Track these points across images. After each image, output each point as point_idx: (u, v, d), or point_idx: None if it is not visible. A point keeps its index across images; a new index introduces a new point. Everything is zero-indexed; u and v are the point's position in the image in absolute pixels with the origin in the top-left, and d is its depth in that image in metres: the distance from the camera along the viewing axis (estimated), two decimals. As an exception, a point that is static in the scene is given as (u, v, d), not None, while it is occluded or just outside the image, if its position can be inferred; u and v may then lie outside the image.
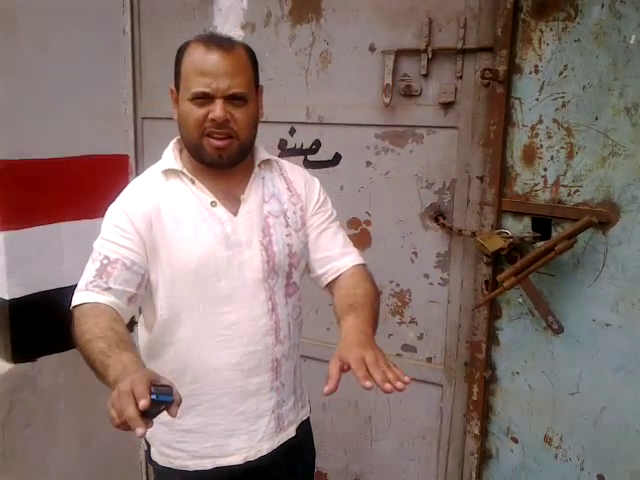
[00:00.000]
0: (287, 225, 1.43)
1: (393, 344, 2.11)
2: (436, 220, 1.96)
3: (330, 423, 2.27)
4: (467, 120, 1.86)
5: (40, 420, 2.24)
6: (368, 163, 2.04)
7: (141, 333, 1.49)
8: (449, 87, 1.86)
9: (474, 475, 1.99)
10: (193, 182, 1.37)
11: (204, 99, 1.28)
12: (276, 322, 1.42)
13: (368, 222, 2.08)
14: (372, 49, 1.95)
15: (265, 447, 1.46)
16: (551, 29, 1.67)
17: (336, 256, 1.47)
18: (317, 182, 1.54)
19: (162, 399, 0.97)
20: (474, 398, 1.94)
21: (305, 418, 1.60)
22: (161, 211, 1.34)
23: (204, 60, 1.28)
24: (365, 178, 2.06)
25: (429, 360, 2.07)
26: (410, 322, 2.08)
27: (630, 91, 1.58)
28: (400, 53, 1.90)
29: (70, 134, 2.23)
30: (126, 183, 2.37)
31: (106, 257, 1.29)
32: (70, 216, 2.28)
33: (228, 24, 2.17)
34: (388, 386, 1.05)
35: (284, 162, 1.54)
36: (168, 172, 1.38)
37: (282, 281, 1.42)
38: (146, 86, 2.41)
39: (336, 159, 2.10)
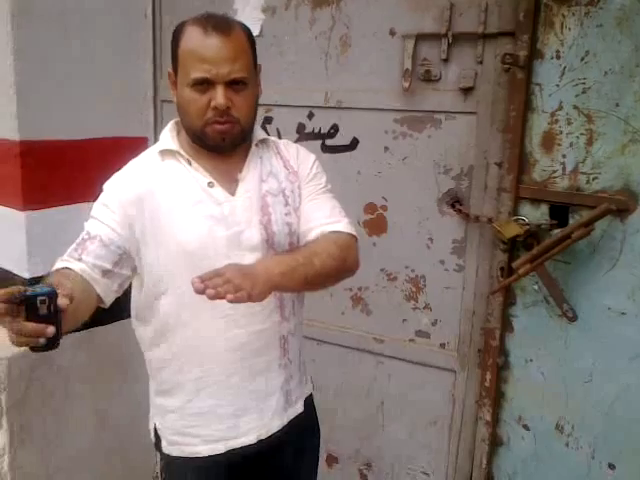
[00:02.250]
0: (286, 204, 1.42)
1: (407, 329, 2.12)
2: (453, 206, 1.96)
3: (342, 408, 2.28)
4: (486, 106, 1.85)
5: (57, 399, 2.26)
6: (386, 148, 2.04)
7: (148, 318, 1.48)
8: (469, 72, 1.85)
9: (485, 462, 1.99)
10: (190, 163, 1.36)
11: (204, 85, 1.27)
12: (280, 300, 1.42)
13: (384, 207, 2.08)
14: (392, 33, 1.95)
15: (276, 424, 1.47)
16: (573, 14, 1.65)
17: (318, 225, 1.42)
18: (312, 157, 1.52)
19: (38, 292, 0.97)
20: (486, 385, 1.94)
21: (308, 394, 1.61)
22: (155, 193, 1.34)
23: (203, 45, 1.26)
24: (382, 163, 2.06)
25: (442, 346, 2.07)
26: (424, 308, 2.08)
27: (652, 77, 1.57)
28: (420, 37, 1.89)
29: (90, 116, 2.24)
30: None
31: (88, 232, 1.31)
32: (90, 197, 2.25)
33: (249, 7, 2.18)
34: (200, 286, 1.08)
35: (280, 141, 1.53)
36: (164, 152, 1.38)
37: None
38: (166, 70, 2.41)
39: (354, 144, 2.10)
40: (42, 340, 0.98)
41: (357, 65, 2.04)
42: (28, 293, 0.97)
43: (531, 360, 1.88)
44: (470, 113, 1.88)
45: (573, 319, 1.73)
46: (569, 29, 1.67)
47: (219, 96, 1.26)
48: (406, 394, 2.17)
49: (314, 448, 1.67)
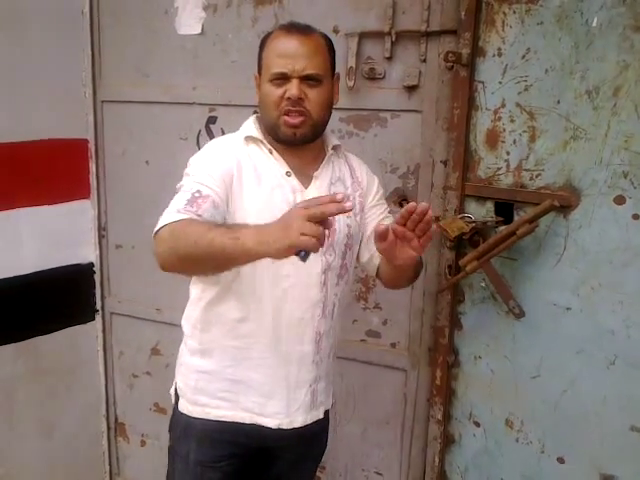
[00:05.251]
0: None
1: (358, 330, 2.10)
2: (400, 205, 1.95)
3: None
4: (431, 104, 1.85)
5: (-1, 410, 2.19)
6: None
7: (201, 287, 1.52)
8: (413, 70, 1.84)
9: (437, 460, 1.99)
10: (271, 152, 1.46)
11: (282, 80, 1.38)
12: (325, 296, 1.49)
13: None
14: (335, 31, 1.92)
15: (299, 419, 1.53)
16: (514, 12, 1.66)
17: None
18: (376, 176, 1.65)
19: None
20: (437, 383, 1.94)
21: (329, 407, 1.68)
22: (242, 168, 1.42)
23: (284, 44, 1.39)
24: (329, 162, 2.03)
25: (393, 345, 2.06)
26: (374, 308, 2.07)
27: (591, 74, 1.58)
28: (364, 35, 1.88)
29: (26, 118, 2.17)
30: (86, 167, 2.38)
31: (198, 191, 1.33)
32: (28, 202, 2.22)
33: (190, 4, 2.12)
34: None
35: (348, 153, 1.64)
36: (249, 139, 1.47)
37: (338, 260, 1.50)
38: (106, 69, 2.35)
39: (300, 143, 2.06)
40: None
41: (301, 63, 2.00)
42: None
43: (480, 357, 1.88)
44: (415, 111, 1.88)
45: (520, 315, 1.74)
46: (510, 27, 1.67)
47: (293, 87, 1.37)
48: (358, 394, 2.15)
49: (316, 458, 1.75)
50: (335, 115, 1.95)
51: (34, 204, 2.23)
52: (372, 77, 1.90)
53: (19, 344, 2.19)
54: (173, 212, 1.28)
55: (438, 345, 1.92)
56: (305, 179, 1.47)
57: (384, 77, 1.89)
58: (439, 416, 1.96)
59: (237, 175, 1.41)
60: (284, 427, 1.51)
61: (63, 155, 2.29)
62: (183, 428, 1.56)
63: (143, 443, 2.60)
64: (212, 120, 2.17)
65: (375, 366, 2.10)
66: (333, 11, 1.92)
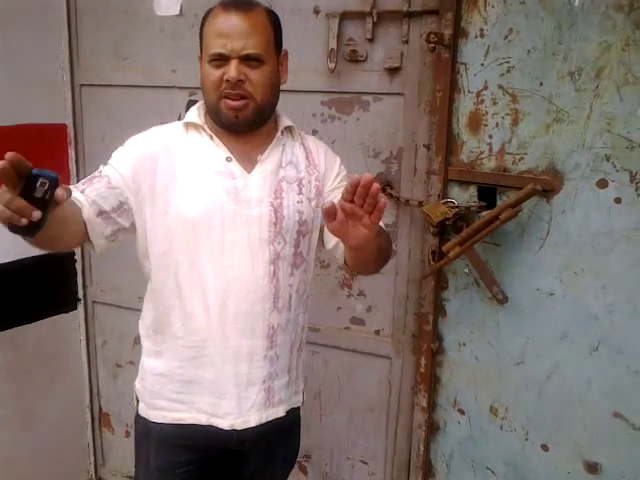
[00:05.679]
0: (299, 192, 1.42)
1: (342, 317, 2.08)
2: (383, 190, 1.91)
3: (279, 398, 2.24)
4: (413, 86, 1.81)
5: (-22, 401, 2.16)
6: (314, 132, 1.97)
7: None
8: (395, 52, 1.80)
9: (422, 448, 1.98)
10: (212, 138, 1.39)
11: (221, 60, 1.30)
12: (275, 288, 1.41)
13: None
14: (316, 12, 1.88)
15: (253, 418, 1.44)
16: (496, -9, 1.62)
17: None
18: (338, 158, 1.54)
19: (44, 173, 0.97)
20: (422, 370, 1.92)
21: (296, 406, 1.59)
22: (173, 154, 1.37)
23: (222, 22, 1.31)
24: (311, 147, 2.00)
25: (377, 333, 2.04)
26: (358, 295, 2.05)
27: (574, 55, 1.55)
28: (345, 16, 1.84)
29: (3, 102, 2.11)
30: (65, 153, 2.34)
31: (100, 171, 1.36)
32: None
33: (167, -14, 2.08)
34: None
35: (308, 135, 1.56)
36: (189, 125, 1.41)
37: (290, 249, 1.41)
38: (83, 52, 2.30)
39: (281, 128, 2.03)
40: (24, 221, 0.96)
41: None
42: (34, 170, 0.96)
43: (464, 344, 1.86)
44: (397, 94, 1.84)
45: (503, 301, 1.72)
46: (492, 7, 1.63)
47: (232, 69, 1.29)
48: (343, 382, 2.13)
49: (286, 462, 1.65)
50: (316, 98, 1.95)
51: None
52: (354, 59, 1.86)
53: (0, 333, 2.15)
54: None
55: (422, 332, 1.90)
56: (250, 164, 1.39)
57: (366, 59, 1.85)
58: (424, 404, 1.94)
59: (165, 159, 1.36)
60: (237, 428, 1.43)
61: (41, 140, 2.24)
62: (143, 433, 1.52)
63: (128, 434, 2.58)
64: (192, 103, 2.07)
65: (359, 354, 2.08)
66: (314, -9, 1.88)
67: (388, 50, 1.82)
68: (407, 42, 1.79)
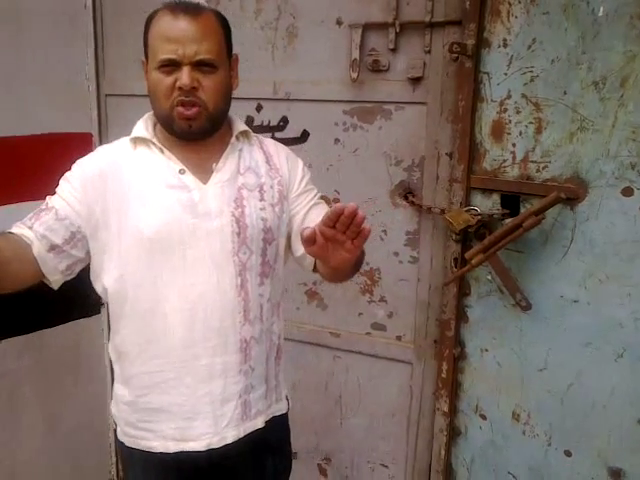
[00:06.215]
0: (262, 199, 1.36)
1: (363, 323, 2.10)
2: (405, 198, 1.94)
3: (300, 403, 2.25)
4: (436, 96, 1.83)
5: (3, 405, 2.18)
6: (336, 140, 2.00)
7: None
8: (417, 62, 1.83)
9: (443, 452, 1.99)
10: (162, 151, 1.33)
11: (171, 67, 1.24)
12: (245, 300, 1.35)
13: (337, 200, 2.04)
14: (339, 23, 1.91)
15: (230, 434, 1.38)
16: (519, 1, 1.64)
17: None
18: (301, 161, 1.49)
19: None
20: (443, 376, 1.93)
21: (278, 414, 1.51)
22: (123, 173, 1.31)
23: (170, 26, 1.24)
24: (333, 155, 2.02)
25: (399, 338, 2.06)
26: (380, 301, 2.06)
27: (598, 65, 1.56)
28: (367, 27, 1.86)
29: (29, 112, 2.15)
30: None
31: (46, 204, 1.31)
32: (31, 196, 2.20)
33: (192, -3, 2.10)
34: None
35: (266, 138, 1.50)
36: (137, 140, 1.35)
37: (256, 259, 1.35)
38: (109, 62, 2.34)
39: (304, 136, 2.06)
40: None
41: (304, 56, 2.00)
42: None
43: (487, 350, 1.88)
44: (420, 103, 1.86)
45: (527, 308, 1.73)
46: (515, 17, 1.65)
47: (184, 76, 1.23)
48: (364, 387, 2.15)
49: (280, 468, 1.57)
50: (338, 107, 1.97)
51: (37, 198, 2.16)
52: (376, 69, 1.88)
53: (24, 337, 2.18)
54: (16, 224, 1.30)
55: (444, 338, 1.91)
56: (205, 174, 1.33)
57: (388, 69, 1.88)
58: (445, 408, 1.95)
59: (115, 179, 1.31)
60: (214, 446, 1.36)
61: (67, 149, 2.26)
62: (126, 456, 1.47)
63: (149, 436, 2.61)
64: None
65: (381, 359, 2.09)
66: (336, 2, 1.90)
67: (410, 60, 1.84)
68: (429, 52, 1.81)
